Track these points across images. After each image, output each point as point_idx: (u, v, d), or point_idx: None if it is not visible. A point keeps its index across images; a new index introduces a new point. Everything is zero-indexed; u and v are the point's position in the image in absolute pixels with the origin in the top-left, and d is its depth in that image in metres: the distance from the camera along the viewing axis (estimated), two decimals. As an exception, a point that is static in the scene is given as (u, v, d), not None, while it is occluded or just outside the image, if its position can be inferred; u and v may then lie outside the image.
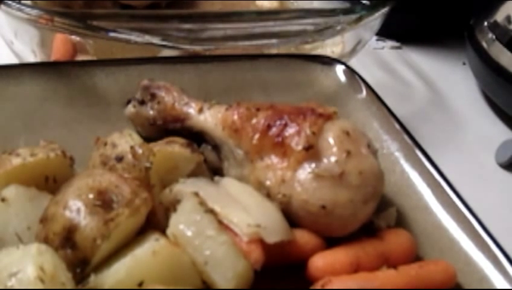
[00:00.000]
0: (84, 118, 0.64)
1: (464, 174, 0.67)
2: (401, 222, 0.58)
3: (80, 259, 0.44)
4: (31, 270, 0.41)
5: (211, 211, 0.49)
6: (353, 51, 0.85)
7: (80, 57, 0.76)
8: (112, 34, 0.68)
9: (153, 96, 0.64)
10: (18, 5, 0.68)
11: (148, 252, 0.45)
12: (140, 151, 0.52)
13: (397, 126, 0.66)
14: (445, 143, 0.82)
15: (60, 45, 0.74)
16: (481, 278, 0.51)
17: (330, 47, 0.84)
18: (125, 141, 0.54)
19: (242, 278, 0.47)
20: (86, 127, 0.63)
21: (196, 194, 0.50)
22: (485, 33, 0.90)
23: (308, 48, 0.83)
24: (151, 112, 0.63)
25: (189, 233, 0.47)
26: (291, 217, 0.53)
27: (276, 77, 0.73)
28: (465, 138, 0.86)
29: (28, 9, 0.68)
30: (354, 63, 0.82)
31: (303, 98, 0.63)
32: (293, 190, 0.53)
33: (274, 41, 0.75)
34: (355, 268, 0.51)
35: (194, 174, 0.56)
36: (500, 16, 0.89)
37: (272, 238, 0.50)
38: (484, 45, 0.89)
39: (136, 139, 0.54)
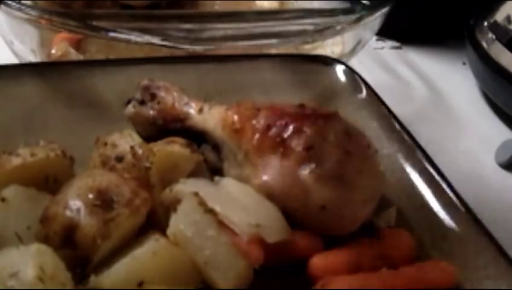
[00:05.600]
0: (84, 118, 0.64)
1: (464, 174, 0.67)
2: (401, 222, 0.58)
3: (80, 259, 0.44)
4: (31, 270, 0.41)
5: (211, 211, 0.49)
6: (353, 51, 0.85)
7: (80, 57, 0.76)
8: (112, 34, 0.68)
9: (153, 96, 0.64)
10: (18, 5, 0.68)
11: (148, 252, 0.45)
12: (140, 151, 0.52)
13: (397, 126, 0.66)
14: (445, 143, 0.82)
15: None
16: (481, 278, 0.51)
17: (330, 47, 0.84)
18: (125, 141, 0.54)
19: (242, 278, 0.47)
20: (86, 127, 0.63)
21: (196, 194, 0.50)
22: (485, 33, 0.90)
23: (308, 48, 0.83)
24: (151, 112, 0.63)
25: (189, 233, 0.47)
26: (291, 217, 0.53)
27: (276, 77, 0.73)
28: (465, 138, 0.85)
29: (28, 10, 0.68)
30: (354, 63, 0.82)
31: (303, 98, 0.62)
32: (293, 190, 0.53)
33: (274, 41, 0.76)
34: (355, 268, 0.51)
35: (194, 174, 0.56)
36: (500, 16, 0.89)
37: (271, 238, 0.50)
38: (484, 45, 0.89)
39: (136, 139, 0.54)
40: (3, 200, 0.47)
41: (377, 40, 1.07)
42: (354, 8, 0.78)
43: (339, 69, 0.74)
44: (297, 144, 0.54)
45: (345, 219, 0.53)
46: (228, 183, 0.56)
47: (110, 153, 0.53)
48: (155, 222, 0.50)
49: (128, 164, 0.52)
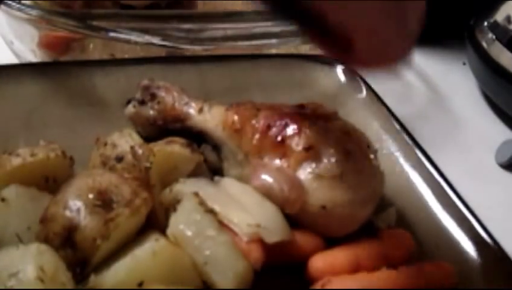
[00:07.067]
0: (84, 118, 0.64)
1: (463, 174, 0.67)
2: (401, 222, 0.58)
3: (80, 259, 0.44)
4: (31, 270, 0.41)
5: (211, 211, 0.49)
6: (353, 51, 0.85)
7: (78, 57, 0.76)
8: (112, 34, 0.68)
9: (153, 96, 0.64)
10: (18, 5, 0.68)
11: (148, 252, 0.45)
12: (140, 151, 0.52)
13: (397, 126, 0.66)
14: (445, 143, 0.82)
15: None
16: (481, 278, 0.51)
17: (330, 47, 0.84)
18: (125, 141, 0.54)
19: (242, 278, 0.47)
20: (86, 127, 0.63)
21: (196, 194, 0.50)
22: (485, 33, 0.90)
23: (308, 48, 0.83)
24: (151, 112, 0.63)
25: (189, 233, 0.47)
26: (291, 217, 0.53)
27: (276, 77, 0.73)
28: (465, 138, 0.85)
29: (28, 10, 0.68)
30: (354, 63, 0.82)
31: (303, 98, 0.62)
32: (293, 190, 0.53)
33: (274, 41, 0.75)
34: (355, 268, 0.51)
35: (194, 174, 0.56)
36: (500, 16, 0.89)
37: (271, 238, 0.50)
38: (484, 45, 0.89)
39: (136, 139, 0.54)
40: (3, 200, 0.47)
41: (377, 40, 1.07)
42: (354, 8, 0.78)
43: (339, 69, 0.74)
44: (297, 144, 0.54)
45: (345, 219, 0.53)
46: (228, 183, 0.56)
47: (110, 153, 0.53)
48: (155, 222, 0.50)
49: (128, 164, 0.52)
